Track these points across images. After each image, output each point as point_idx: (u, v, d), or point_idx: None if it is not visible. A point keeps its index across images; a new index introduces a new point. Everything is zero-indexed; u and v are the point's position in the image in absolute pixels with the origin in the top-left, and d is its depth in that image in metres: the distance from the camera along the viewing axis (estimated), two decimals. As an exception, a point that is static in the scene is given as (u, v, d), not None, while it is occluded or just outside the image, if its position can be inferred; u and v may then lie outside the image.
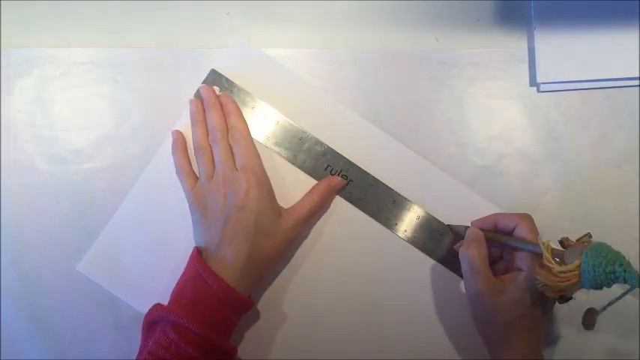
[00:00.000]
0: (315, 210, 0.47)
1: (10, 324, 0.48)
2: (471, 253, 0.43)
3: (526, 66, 0.51)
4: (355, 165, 0.49)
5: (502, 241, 0.44)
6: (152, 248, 0.48)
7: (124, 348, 0.48)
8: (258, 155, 0.47)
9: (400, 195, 0.49)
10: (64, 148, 0.50)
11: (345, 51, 0.51)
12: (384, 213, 0.49)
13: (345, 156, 0.49)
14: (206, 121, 0.48)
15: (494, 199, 0.49)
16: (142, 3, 0.51)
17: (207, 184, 0.46)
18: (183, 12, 0.51)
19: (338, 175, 0.49)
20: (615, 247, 0.48)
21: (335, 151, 0.49)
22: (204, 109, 0.48)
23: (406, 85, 0.51)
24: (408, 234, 0.49)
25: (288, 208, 0.47)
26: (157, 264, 0.48)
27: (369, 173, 0.49)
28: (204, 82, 0.50)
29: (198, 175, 0.48)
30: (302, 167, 0.49)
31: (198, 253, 0.44)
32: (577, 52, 0.50)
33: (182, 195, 0.48)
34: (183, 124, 0.49)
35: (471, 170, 0.50)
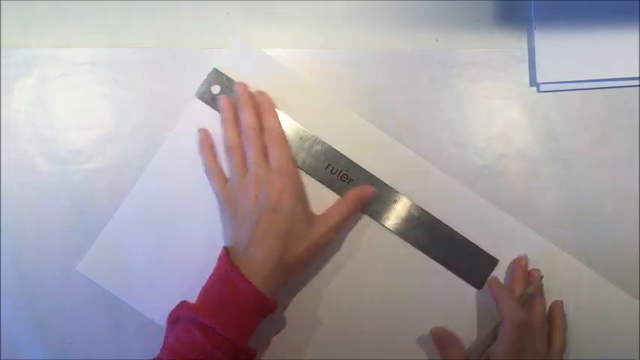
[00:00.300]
0: (346, 218, 0.46)
1: (10, 324, 0.48)
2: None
3: (526, 66, 0.51)
4: (356, 164, 0.49)
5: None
6: (153, 248, 0.48)
7: (124, 349, 0.47)
8: (293, 158, 0.47)
9: (400, 194, 0.49)
10: (64, 148, 0.50)
11: (345, 51, 0.51)
12: (385, 213, 0.49)
13: (346, 155, 0.49)
14: (238, 120, 0.47)
15: (494, 199, 0.49)
16: (142, 3, 0.51)
17: (239, 183, 0.45)
18: (183, 12, 0.51)
19: (338, 174, 0.49)
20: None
21: (335, 150, 0.49)
22: (234, 107, 0.48)
23: (406, 85, 0.51)
24: (410, 234, 0.48)
25: (319, 215, 0.46)
26: (158, 264, 0.48)
27: (369, 172, 0.49)
28: (206, 81, 0.50)
29: (227, 174, 0.48)
30: (303, 166, 0.49)
31: (227, 254, 0.43)
32: (577, 52, 0.50)
33: (182, 195, 0.48)
34: (186, 125, 0.49)
35: (471, 170, 0.50)
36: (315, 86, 0.50)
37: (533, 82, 0.51)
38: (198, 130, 0.49)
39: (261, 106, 0.48)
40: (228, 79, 0.50)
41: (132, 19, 0.51)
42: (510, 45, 0.52)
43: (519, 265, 0.48)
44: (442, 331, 0.46)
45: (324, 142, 0.49)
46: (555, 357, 0.45)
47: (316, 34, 0.52)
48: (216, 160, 0.48)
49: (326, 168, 0.49)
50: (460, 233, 0.48)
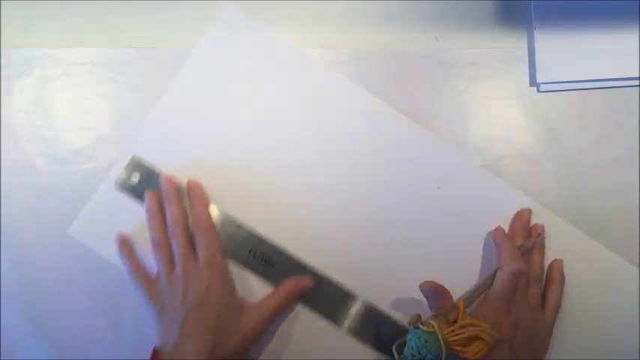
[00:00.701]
0: (279, 310, 0.45)
1: (11, 325, 0.48)
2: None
3: (526, 66, 0.51)
4: (279, 249, 0.48)
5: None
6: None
7: (123, 350, 0.47)
8: (221, 248, 0.46)
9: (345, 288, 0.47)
10: (64, 148, 0.50)
11: (345, 51, 0.51)
12: (320, 302, 0.47)
13: (269, 239, 0.48)
14: (164, 214, 0.47)
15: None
16: (142, 3, 0.51)
17: (167, 279, 0.44)
18: (183, 12, 0.51)
19: (261, 260, 0.47)
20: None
21: (259, 236, 0.48)
22: (160, 201, 0.47)
23: (406, 85, 0.51)
24: (351, 324, 0.47)
25: (252, 304, 0.45)
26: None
27: (294, 258, 0.48)
28: (125, 169, 0.49)
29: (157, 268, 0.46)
30: (227, 252, 0.47)
31: (156, 354, 0.42)
32: (577, 52, 0.50)
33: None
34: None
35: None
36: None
37: (533, 82, 0.51)
38: (116, 235, 0.48)
39: (189, 193, 0.47)
40: (150, 167, 0.49)
41: (132, 19, 0.51)
42: (510, 45, 0.52)
43: (521, 217, 0.48)
44: (431, 283, 0.44)
45: (247, 226, 0.48)
46: (549, 313, 0.45)
47: (316, 34, 0.52)
48: (138, 262, 0.47)
49: (249, 253, 0.48)
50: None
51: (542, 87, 0.51)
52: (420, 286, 0.43)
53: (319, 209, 0.48)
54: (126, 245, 0.47)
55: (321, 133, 0.49)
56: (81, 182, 0.49)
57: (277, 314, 0.45)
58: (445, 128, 0.50)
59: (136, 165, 0.49)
